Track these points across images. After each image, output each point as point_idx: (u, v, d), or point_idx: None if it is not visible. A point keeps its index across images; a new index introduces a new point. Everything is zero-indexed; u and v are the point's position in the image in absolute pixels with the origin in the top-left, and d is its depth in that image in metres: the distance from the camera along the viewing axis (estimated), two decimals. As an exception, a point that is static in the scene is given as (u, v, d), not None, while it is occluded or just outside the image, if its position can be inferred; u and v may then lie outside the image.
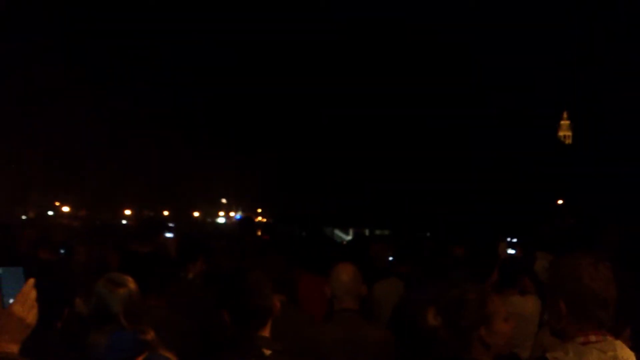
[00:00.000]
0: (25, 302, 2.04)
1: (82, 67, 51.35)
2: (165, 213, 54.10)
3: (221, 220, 70.61)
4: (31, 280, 2.09)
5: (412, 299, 4.41)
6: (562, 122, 77.26)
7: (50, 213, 49.40)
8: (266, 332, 2.95)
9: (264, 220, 41.91)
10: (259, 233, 7.98)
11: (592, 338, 2.42)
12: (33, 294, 2.07)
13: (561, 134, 76.58)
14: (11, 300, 2.04)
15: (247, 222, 7.69)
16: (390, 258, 6.44)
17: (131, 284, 3.13)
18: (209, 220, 67.60)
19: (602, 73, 53.33)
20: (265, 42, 54.33)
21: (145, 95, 55.52)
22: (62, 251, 6.22)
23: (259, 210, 56.93)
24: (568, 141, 73.70)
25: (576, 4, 55.66)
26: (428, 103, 49.86)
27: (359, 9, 54.70)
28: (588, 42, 56.32)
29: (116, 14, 52.44)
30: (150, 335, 3.04)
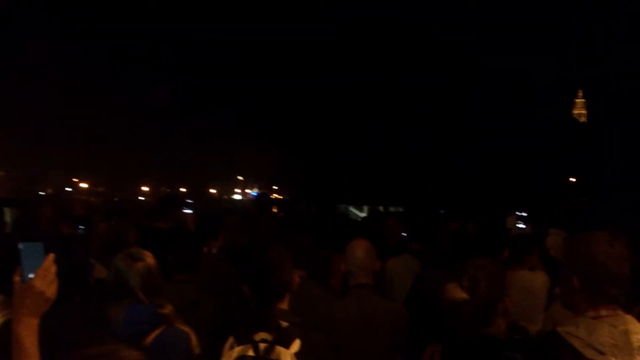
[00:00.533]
0: (45, 277, 2.08)
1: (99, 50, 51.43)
2: (182, 190, 54.36)
3: (237, 197, 70.92)
4: (51, 255, 2.12)
5: (430, 276, 4.44)
6: (576, 100, 76.40)
7: (68, 190, 49.81)
8: (284, 305, 3.02)
9: (280, 197, 42.06)
10: (275, 210, 8.02)
11: (603, 312, 2.42)
12: (53, 268, 2.11)
13: (576, 112, 75.79)
14: (31, 275, 2.07)
15: (262, 198, 7.73)
16: (404, 234, 6.45)
17: (149, 258, 3.17)
18: (225, 197, 67.93)
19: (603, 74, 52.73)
20: (265, 42, 53.99)
21: (162, 79, 55.55)
22: (81, 227, 6.29)
23: (275, 188, 57.04)
24: (583, 119, 72.96)
25: (576, 3, 54.83)
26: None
27: (359, 9, 54.22)
28: (588, 42, 55.55)
29: (116, 14, 52.23)
30: (168, 309, 3.09)
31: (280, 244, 3.30)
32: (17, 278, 2.08)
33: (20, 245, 2.13)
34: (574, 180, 46.21)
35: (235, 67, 56.88)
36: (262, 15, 54.12)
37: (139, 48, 54.05)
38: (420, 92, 48.72)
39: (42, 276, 2.08)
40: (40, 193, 34.82)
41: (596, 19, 54.46)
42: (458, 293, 2.84)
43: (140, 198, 49.27)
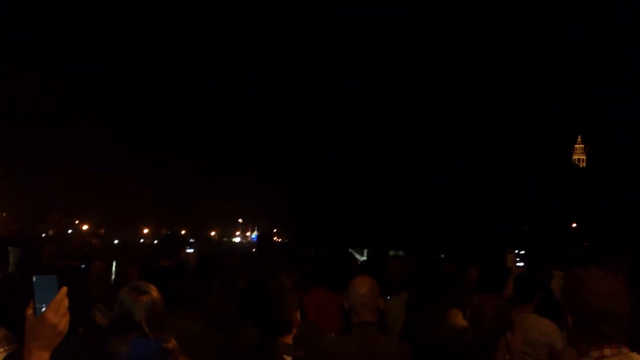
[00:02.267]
0: (58, 310, 2.06)
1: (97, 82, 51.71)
2: (183, 232, 54.24)
3: (237, 239, 70.74)
4: (64, 289, 2.11)
5: (419, 316, 4.43)
6: (576, 145, 76.88)
7: (70, 231, 49.74)
8: (288, 340, 3.02)
9: (280, 240, 41.94)
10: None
11: (607, 352, 2.34)
12: (66, 301, 2.10)
13: (575, 157, 76.18)
14: (44, 308, 2.06)
15: (265, 237, 7.76)
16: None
17: (154, 292, 3.17)
18: (225, 239, 67.74)
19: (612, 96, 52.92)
20: (265, 42, 54.14)
21: (164, 116, 55.81)
22: (82, 265, 6.32)
23: (275, 231, 57.01)
24: (582, 165, 73.24)
25: (576, 3, 55.19)
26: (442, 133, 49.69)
27: (359, 9, 54.55)
28: (588, 42, 55.78)
29: (116, 14, 52.47)
30: (172, 344, 3.08)
31: (283, 280, 3.31)
32: (29, 311, 2.08)
33: (34, 279, 2.13)
34: (574, 225, 46.15)
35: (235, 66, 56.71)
36: (262, 15, 54.36)
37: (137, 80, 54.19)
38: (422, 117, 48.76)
39: (54, 309, 2.06)
40: (43, 235, 34.83)
41: (596, 19, 54.70)
42: (460, 321, 2.82)
43: (141, 240, 49.25)
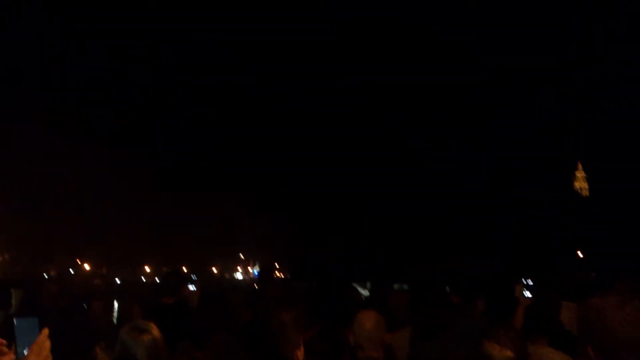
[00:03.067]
0: (40, 353, 2.03)
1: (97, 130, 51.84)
2: (184, 269, 53.99)
3: (239, 275, 70.39)
4: (45, 331, 2.08)
5: (424, 348, 4.37)
6: (577, 173, 76.85)
7: (72, 271, 49.59)
8: None
9: (282, 275, 41.79)
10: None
11: None
12: (48, 344, 2.06)
13: (577, 185, 76.11)
14: (26, 351, 2.03)
15: (266, 272, 7.71)
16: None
17: (155, 331, 3.14)
18: (227, 275, 67.42)
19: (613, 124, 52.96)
20: (265, 42, 54.16)
21: (163, 157, 55.90)
22: (84, 305, 6.26)
23: (276, 266, 56.77)
24: (585, 193, 73.16)
25: (576, 3, 55.47)
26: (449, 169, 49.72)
27: (359, 9, 54.73)
28: (588, 42, 55.96)
29: (116, 14, 52.54)
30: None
31: (283, 316, 3.27)
32: (12, 355, 2.04)
33: (15, 321, 2.09)
34: (581, 255, 45.96)
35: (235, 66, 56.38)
36: (262, 15, 54.38)
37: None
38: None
39: (36, 352, 2.03)
40: (44, 275, 34.76)
41: (596, 19, 54.83)
42: (503, 352, 2.74)
43: (142, 278, 48.96)
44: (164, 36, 54.92)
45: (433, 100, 52.83)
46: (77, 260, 57.45)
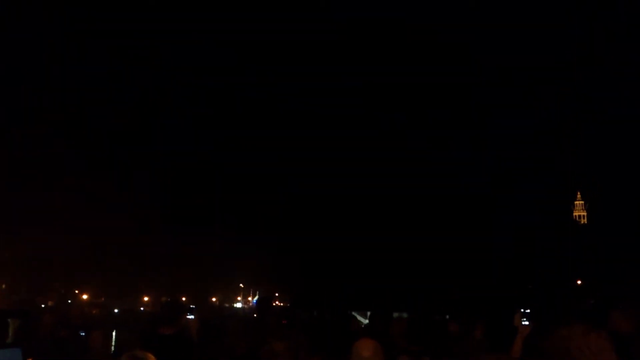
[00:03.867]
0: None
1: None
2: (183, 299, 53.70)
3: (239, 304, 70.04)
4: None
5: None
6: (576, 202, 77.00)
7: (69, 301, 49.33)
8: None
9: (281, 304, 41.52)
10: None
11: None
12: None
13: (576, 214, 76.19)
14: None
15: (265, 302, 7.69)
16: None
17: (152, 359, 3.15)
18: (227, 305, 67.09)
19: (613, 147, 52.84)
20: (266, 42, 53.99)
21: (159, 189, 55.78)
22: (82, 334, 6.25)
23: (277, 294, 56.48)
24: (583, 221, 73.16)
25: (576, 3, 55.65)
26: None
27: (359, 9, 54.76)
28: (588, 42, 55.99)
29: (116, 14, 52.41)
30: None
31: (273, 345, 3.27)
32: None
33: None
34: (580, 282, 45.76)
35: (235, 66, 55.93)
36: (262, 15, 54.18)
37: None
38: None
39: None
40: (42, 306, 34.56)
41: (596, 19, 54.74)
42: None
43: (141, 308, 48.73)
44: (163, 36, 55.08)
45: (433, 100, 52.85)
46: (76, 291, 57.17)
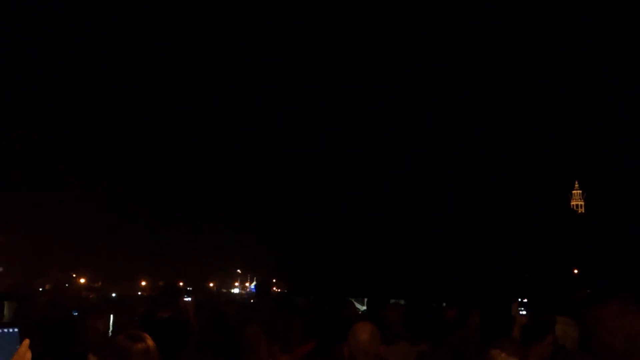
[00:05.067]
0: None
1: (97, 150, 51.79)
2: (180, 284, 53.77)
3: (236, 290, 70.22)
4: (26, 341, 2.05)
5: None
6: (573, 191, 77.22)
7: (67, 285, 49.47)
8: None
9: (278, 290, 41.62)
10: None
11: None
12: (28, 355, 2.04)
13: (573, 203, 76.42)
14: None
15: (263, 286, 7.67)
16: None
17: (149, 341, 3.12)
18: (224, 290, 67.25)
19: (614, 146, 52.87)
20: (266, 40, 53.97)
21: (159, 172, 55.82)
22: (75, 313, 6.23)
23: (274, 281, 56.62)
24: (581, 210, 73.39)
25: (576, 4, 55.61)
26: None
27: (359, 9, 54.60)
28: (588, 41, 56.02)
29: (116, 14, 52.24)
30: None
31: (257, 324, 3.24)
32: None
33: None
34: (576, 271, 45.94)
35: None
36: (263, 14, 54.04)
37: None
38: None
39: None
40: (40, 289, 34.65)
41: (596, 19, 54.53)
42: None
43: (139, 293, 48.82)
44: (164, 36, 55.01)
45: (434, 100, 52.86)
46: (73, 275, 57.27)
